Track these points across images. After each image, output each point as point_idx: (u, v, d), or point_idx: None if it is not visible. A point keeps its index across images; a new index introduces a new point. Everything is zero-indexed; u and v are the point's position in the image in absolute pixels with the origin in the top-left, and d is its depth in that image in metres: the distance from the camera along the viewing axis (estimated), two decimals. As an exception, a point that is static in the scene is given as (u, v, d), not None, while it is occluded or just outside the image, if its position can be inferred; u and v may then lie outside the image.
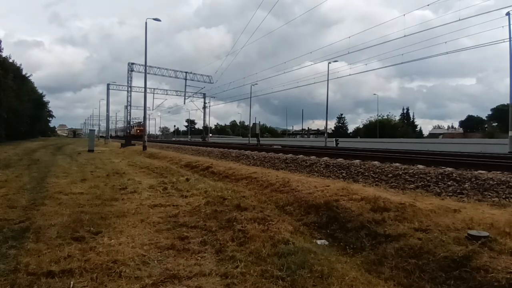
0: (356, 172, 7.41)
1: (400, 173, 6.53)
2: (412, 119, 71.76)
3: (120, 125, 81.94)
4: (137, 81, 77.99)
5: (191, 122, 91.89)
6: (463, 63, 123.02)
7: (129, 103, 40.29)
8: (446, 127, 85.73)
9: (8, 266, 2.76)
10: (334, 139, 33.58)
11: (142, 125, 61.02)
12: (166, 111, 68.92)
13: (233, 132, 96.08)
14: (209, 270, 2.75)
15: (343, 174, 7.60)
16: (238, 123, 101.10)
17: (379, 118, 59.60)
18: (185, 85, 41.86)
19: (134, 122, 58.23)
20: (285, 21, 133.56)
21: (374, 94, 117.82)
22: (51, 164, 11.99)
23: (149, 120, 49.38)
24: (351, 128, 75.32)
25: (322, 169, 8.36)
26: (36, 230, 3.74)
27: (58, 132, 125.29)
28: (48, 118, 69.75)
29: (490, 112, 63.85)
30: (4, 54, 31.67)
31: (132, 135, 49.48)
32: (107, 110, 46.96)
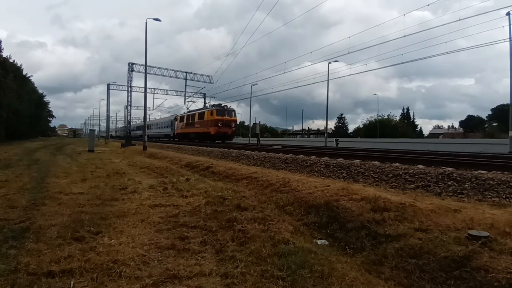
0: (356, 172, 7.40)
1: (400, 173, 6.52)
2: (412, 119, 71.82)
3: (120, 125, 79.84)
4: (137, 81, 78.01)
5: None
6: (462, 63, 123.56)
7: (129, 103, 40.06)
8: (446, 127, 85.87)
9: (8, 266, 2.76)
10: (334, 139, 33.56)
11: (227, 109, 27.04)
12: (166, 111, 66.80)
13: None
14: (209, 270, 2.75)
15: (343, 174, 7.59)
16: (238, 123, 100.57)
17: (379, 118, 59.56)
18: (185, 85, 41.52)
19: (210, 105, 30.22)
20: (285, 23, 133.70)
21: (374, 94, 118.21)
22: (51, 164, 12.00)
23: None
24: (351, 128, 75.39)
25: (322, 169, 8.35)
26: (36, 230, 3.74)
27: (58, 132, 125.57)
28: (48, 118, 70.00)
29: (489, 112, 63.98)
30: (4, 54, 31.81)
31: (196, 133, 27.40)
32: (107, 110, 46.55)
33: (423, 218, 3.56)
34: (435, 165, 6.97)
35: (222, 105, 28.27)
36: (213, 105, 28.57)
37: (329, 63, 29.14)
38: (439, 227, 3.26)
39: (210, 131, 25.46)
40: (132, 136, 36.30)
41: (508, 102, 17.74)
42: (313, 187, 5.44)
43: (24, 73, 42.87)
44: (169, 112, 52.42)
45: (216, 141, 25.83)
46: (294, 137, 75.79)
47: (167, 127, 37.20)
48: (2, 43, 31.18)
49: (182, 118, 33.75)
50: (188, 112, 33.97)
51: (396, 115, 72.37)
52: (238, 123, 25.64)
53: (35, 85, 52.35)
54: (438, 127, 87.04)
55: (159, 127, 40.47)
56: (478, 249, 2.67)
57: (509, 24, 15.73)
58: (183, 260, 2.98)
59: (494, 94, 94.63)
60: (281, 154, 11.78)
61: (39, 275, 2.60)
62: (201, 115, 28.11)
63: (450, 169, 6.19)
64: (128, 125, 42.06)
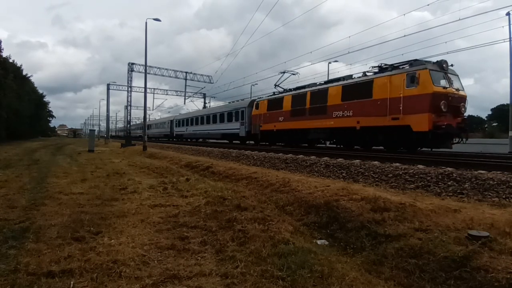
0: (356, 172, 7.40)
1: (400, 173, 6.52)
2: (412, 119, 71.57)
3: (120, 125, 79.34)
4: (137, 81, 78.09)
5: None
6: (461, 63, 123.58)
7: (129, 103, 40.07)
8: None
9: (8, 266, 2.76)
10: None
11: (451, 71, 9.29)
12: (166, 111, 65.40)
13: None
14: (209, 270, 2.75)
15: (343, 174, 7.59)
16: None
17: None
18: (185, 85, 41.46)
19: (389, 65, 10.59)
20: (284, 23, 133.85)
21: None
22: (51, 164, 11.99)
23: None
24: (351, 128, 75.06)
25: (322, 169, 8.35)
26: (36, 230, 3.74)
27: (58, 132, 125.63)
28: (48, 118, 70.03)
29: (489, 112, 63.92)
30: (4, 54, 31.83)
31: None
32: (107, 110, 46.63)
33: (423, 218, 3.56)
34: (435, 165, 6.97)
35: (435, 61, 10.64)
36: (399, 64, 11.31)
37: (329, 63, 28.89)
38: (439, 227, 3.26)
39: (410, 125, 10.03)
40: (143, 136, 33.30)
41: (508, 102, 17.75)
42: (313, 187, 5.45)
43: (24, 73, 42.95)
44: (169, 112, 49.49)
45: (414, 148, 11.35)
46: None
47: (230, 120, 22.38)
48: (2, 43, 31.29)
49: (275, 102, 16.51)
50: (293, 90, 16.15)
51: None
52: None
53: (35, 85, 52.51)
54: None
55: (210, 122, 25.39)
56: (478, 249, 2.67)
57: (509, 24, 15.73)
58: (183, 260, 2.98)
59: (493, 94, 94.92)
60: (281, 154, 11.78)
61: (39, 275, 2.59)
62: (365, 85, 11.64)
63: (450, 169, 6.20)
64: (128, 125, 42.05)
